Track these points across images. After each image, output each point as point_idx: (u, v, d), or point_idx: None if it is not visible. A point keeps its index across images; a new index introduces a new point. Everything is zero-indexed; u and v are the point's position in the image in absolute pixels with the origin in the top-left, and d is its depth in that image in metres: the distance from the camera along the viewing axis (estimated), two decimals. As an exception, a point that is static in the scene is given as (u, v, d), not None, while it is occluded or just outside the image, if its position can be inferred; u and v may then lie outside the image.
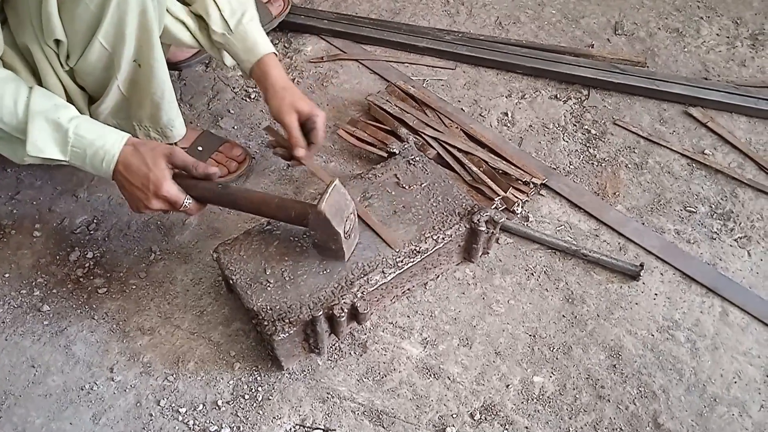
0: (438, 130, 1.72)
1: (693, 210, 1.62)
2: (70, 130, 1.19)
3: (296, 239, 1.37)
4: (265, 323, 1.25)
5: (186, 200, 1.27)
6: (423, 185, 1.47)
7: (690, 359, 1.37)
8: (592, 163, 1.72)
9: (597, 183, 1.68)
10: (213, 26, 1.43)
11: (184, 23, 1.45)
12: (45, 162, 1.23)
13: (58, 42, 1.25)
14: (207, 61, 1.95)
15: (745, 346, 1.39)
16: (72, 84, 1.35)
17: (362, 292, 1.29)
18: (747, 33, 2.07)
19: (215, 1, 1.42)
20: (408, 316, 1.44)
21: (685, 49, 2.02)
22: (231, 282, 1.32)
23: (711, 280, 1.48)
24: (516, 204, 1.59)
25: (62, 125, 1.19)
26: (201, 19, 1.46)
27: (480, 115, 1.84)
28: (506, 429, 1.28)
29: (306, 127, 1.44)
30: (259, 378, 1.34)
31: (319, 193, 1.24)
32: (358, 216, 1.36)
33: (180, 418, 1.29)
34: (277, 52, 1.48)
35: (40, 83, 1.30)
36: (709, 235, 1.57)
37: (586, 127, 1.81)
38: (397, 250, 1.35)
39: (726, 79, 1.93)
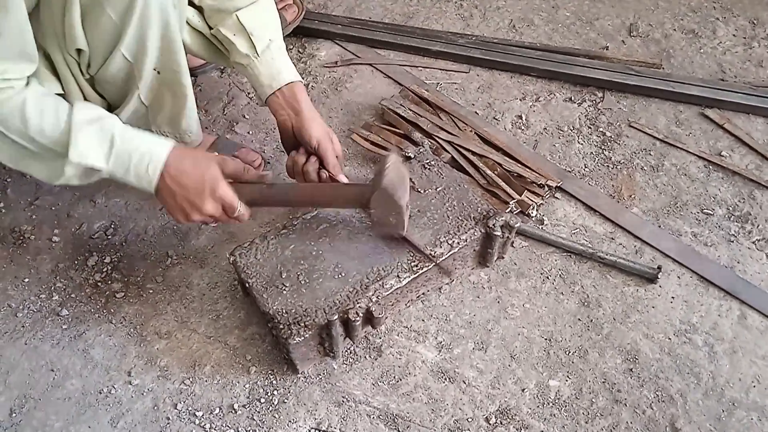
0: (452, 134, 1.72)
1: (710, 212, 1.61)
2: (116, 134, 1.16)
3: (312, 243, 1.37)
4: (281, 327, 1.25)
5: (240, 205, 1.23)
6: (438, 189, 1.47)
7: (708, 363, 1.36)
8: (608, 166, 1.71)
9: (612, 185, 1.67)
10: (241, 49, 1.38)
11: (201, 33, 1.45)
12: (80, 179, 1.20)
13: (79, 51, 1.26)
14: (222, 67, 1.97)
15: (764, 350, 1.37)
16: (92, 92, 1.36)
17: (377, 297, 1.30)
18: (764, 33, 2.05)
19: (243, 25, 1.37)
20: (423, 320, 1.44)
21: (701, 50, 2.00)
22: (247, 286, 1.33)
23: (729, 283, 1.47)
24: (531, 207, 1.59)
25: (107, 129, 1.16)
26: (219, 41, 1.43)
27: (494, 118, 1.84)
28: (522, 433, 1.28)
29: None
30: (274, 382, 1.35)
31: (377, 170, 1.22)
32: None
33: (197, 422, 1.30)
34: (303, 81, 1.43)
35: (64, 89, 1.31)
36: (726, 238, 1.56)
37: (601, 129, 1.80)
38: (452, 280, 1.39)
39: (743, 80, 1.91)
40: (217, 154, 1.30)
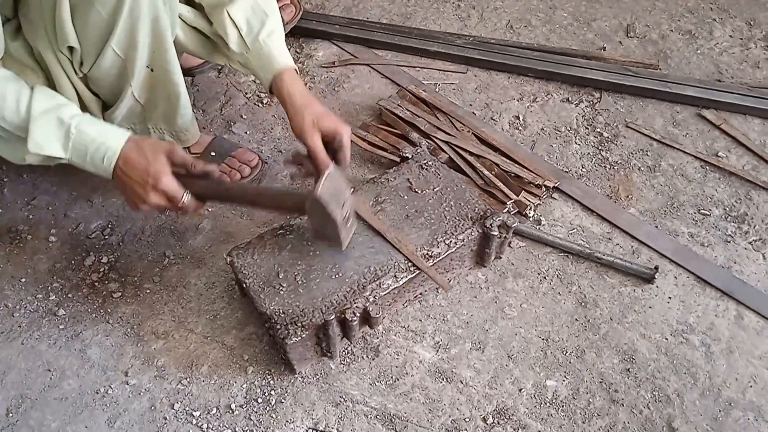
0: (450, 134, 1.72)
1: (707, 213, 1.61)
2: (72, 126, 1.19)
3: (309, 243, 1.37)
4: (278, 327, 1.25)
5: (184, 196, 1.25)
6: (435, 189, 1.47)
7: (704, 363, 1.36)
8: (605, 166, 1.71)
9: (609, 186, 1.67)
10: (232, 46, 1.37)
11: (196, 29, 1.45)
12: (43, 162, 1.24)
13: (71, 49, 1.26)
14: (220, 67, 1.97)
15: (760, 350, 1.38)
16: (86, 90, 1.37)
17: (374, 296, 1.30)
18: (761, 34, 2.05)
19: (233, 21, 1.36)
20: (420, 320, 1.44)
21: (698, 51, 2.01)
22: (244, 286, 1.33)
23: (725, 284, 1.47)
24: (528, 207, 1.59)
25: (64, 121, 1.19)
26: (219, 37, 1.42)
27: (491, 118, 1.84)
28: (519, 433, 1.28)
29: (332, 146, 1.33)
30: (272, 382, 1.35)
31: (315, 181, 1.22)
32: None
33: (194, 422, 1.30)
34: (297, 68, 1.39)
35: (54, 89, 1.31)
36: (723, 238, 1.56)
37: (598, 130, 1.80)
38: (447, 291, 1.42)
39: (739, 81, 1.91)
40: (168, 143, 1.31)
